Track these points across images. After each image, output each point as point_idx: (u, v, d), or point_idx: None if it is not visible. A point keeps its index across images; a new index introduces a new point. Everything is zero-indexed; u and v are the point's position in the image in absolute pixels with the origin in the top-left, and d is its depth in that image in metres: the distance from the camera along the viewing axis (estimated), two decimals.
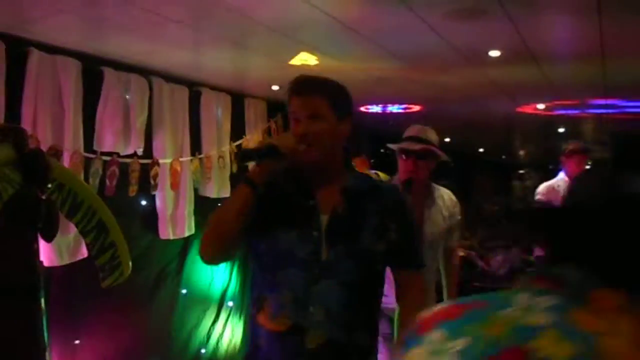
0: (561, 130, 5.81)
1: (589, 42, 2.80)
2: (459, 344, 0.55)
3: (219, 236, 1.47)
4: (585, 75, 3.56)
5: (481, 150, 8.95)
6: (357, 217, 1.51)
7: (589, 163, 3.95)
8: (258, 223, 1.44)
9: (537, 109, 4.61)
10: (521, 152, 8.51)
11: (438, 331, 0.59)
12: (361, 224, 1.52)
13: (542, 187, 3.99)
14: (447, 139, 7.20)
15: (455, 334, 0.57)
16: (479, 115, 4.98)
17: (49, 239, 1.69)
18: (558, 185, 3.93)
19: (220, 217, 1.50)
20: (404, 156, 2.41)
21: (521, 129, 5.66)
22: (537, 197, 3.90)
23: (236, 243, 1.49)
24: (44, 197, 1.69)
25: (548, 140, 5.98)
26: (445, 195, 2.58)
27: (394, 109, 4.83)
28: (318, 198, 1.51)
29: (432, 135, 2.47)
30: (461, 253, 3.48)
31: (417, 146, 2.43)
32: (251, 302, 1.53)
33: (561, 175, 4.00)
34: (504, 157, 9.12)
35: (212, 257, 1.52)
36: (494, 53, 2.98)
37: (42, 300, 1.84)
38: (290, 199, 1.51)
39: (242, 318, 3.92)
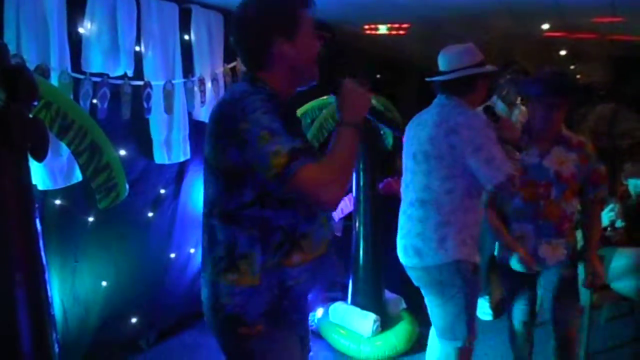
0: (562, 52, 5.67)
1: None
2: None
3: (347, 183, 1.48)
4: None
5: None
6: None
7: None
8: None
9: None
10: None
11: None
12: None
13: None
14: None
15: None
16: (479, 37, 4.81)
17: (39, 159, 1.64)
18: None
19: (349, 164, 1.48)
20: (487, 83, 2.36)
21: (521, 50, 5.51)
22: None
23: None
24: (31, 116, 1.62)
25: (548, 63, 5.84)
26: None
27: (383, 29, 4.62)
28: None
29: None
30: None
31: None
32: (267, 250, 1.48)
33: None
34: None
35: (337, 203, 1.47)
36: None
37: (37, 222, 1.82)
38: (295, 132, 1.51)
39: None
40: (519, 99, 3.83)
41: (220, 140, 1.43)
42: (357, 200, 3.68)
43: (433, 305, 2.37)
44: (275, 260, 1.47)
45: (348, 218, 4.07)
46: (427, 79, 2.39)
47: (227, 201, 1.47)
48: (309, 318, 1.83)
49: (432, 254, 2.25)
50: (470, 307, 2.30)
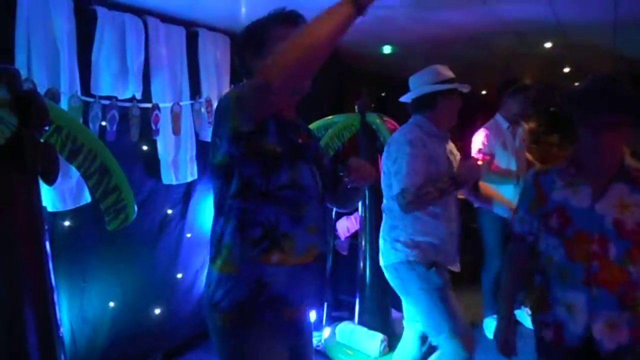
0: (566, 70, 5.69)
1: None
2: None
3: (309, 62, 1.32)
4: (594, 13, 3.45)
5: (484, 92, 8.84)
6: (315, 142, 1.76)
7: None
8: (278, 159, 1.51)
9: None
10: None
11: None
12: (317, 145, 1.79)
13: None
14: None
15: None
16: (482, 56, 4.86)
17: (50, 182, 1.68)
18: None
19: (316, 38, 1.29)
20: (453, 100, 2.42)
21: (524, 68, 5.55)
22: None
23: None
24: (42, 140, 1.66)
25: (553, 81, 5.87)
26: None
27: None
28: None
29: None
30: None
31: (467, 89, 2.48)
32: (246, 243, 1.52)
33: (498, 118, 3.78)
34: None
35: (287, 85, 1.33)
36: None
37: (47, 244, 1.84)
38: (287, 136, 1.57)
39: None
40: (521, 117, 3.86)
41: (215, 135, 1.55)
42: (363, 218, 3.69)
43: (408, 305, 2.54)
44: (254, 254, 1.51)
45: (354, 236, 4.08)
46: (400, 100, 2.57)
47: (219, 193, 1.58)
48: (303, 333, 1.71)
49: (386, 253, 2.48)
50: (438, 300, 2.34)
